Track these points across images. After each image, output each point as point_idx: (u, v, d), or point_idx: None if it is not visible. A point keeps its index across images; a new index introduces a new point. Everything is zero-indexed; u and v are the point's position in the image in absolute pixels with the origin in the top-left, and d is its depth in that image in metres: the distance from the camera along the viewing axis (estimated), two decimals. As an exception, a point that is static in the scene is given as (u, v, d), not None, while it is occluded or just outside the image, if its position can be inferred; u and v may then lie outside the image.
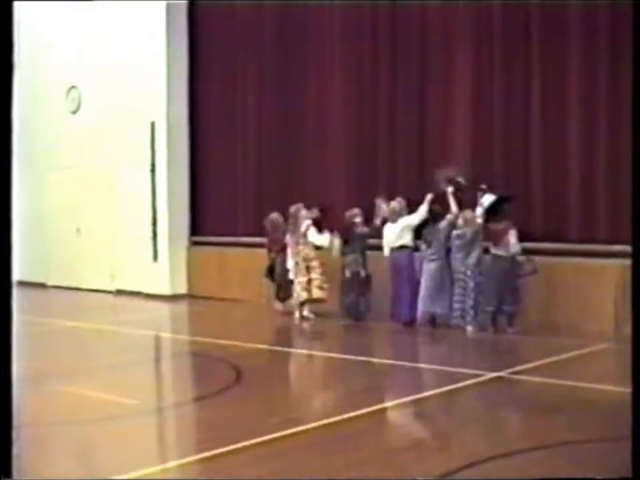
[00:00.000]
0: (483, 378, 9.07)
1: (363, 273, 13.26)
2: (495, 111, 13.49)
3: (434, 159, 13.96)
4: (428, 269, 12.30)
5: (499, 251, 11.96)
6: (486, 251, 12.15)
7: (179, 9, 17.41)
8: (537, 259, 12.45)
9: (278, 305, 14.58)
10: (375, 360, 10.55)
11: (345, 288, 13.37)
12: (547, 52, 12.94)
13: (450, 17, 13.96)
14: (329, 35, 15.56)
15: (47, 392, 8.99)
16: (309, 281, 13.68)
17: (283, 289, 14.41)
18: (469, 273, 11.97)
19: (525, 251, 12.27)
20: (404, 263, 12.73)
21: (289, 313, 14.00)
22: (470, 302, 11.94)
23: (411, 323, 12.48)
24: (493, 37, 13.49)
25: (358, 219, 13.38)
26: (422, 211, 12.63)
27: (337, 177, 15.37)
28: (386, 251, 12.93)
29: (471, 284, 11.95)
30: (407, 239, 12.73)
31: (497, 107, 13.47)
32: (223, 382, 9.12)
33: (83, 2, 18.44)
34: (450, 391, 8.54)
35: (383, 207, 13.20)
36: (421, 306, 12.31)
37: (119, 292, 17.96)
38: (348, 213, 13.48)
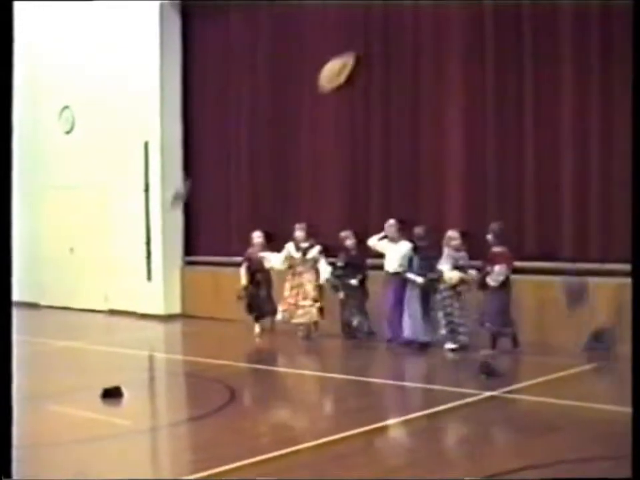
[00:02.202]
0: (477, 397, 9.06)
1: (355, 293, 13.39)
2: (487, 134, 13.50)
3: (427, 181, 14.09)
4: (413, 295, 12.44)
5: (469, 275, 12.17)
6: (478, 270, 12.17)
7: (172, 30, 17.46)
8: (531, 277, 12.50)
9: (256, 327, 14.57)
10: (370, 380, 10.55)
11: (342, 308, 13.48)
12: (539, 76, 12.99)
13: (443, 46, 14.01)
14: (323, 57, 15.57)
15: (41, 412, 8.96)
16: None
17: (257, 307, 14.54)
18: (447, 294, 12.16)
19: (517, 271, 12.30)
20: (401, 287, 12.74)
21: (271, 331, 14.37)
22: (450, 323, 12.15)
23: (406, 343, 12.47)
24: (485, 65, 13.51)
25: (349, 242, 13.63)
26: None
27: (330, 198, 15.38)
28: (390, 268, 12.97)
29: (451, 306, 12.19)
30: (405, 266, 12.74)
31: (489, 129, 13.49)
32: (217, 402, 9.10)
33: (76, 22, 18.51)
34: (444, 411, 8.52)
35: (348, 243, 13.64)
36: (410, 334, 12.40)
37: (113, 312, 17.92)
38: (342, 234, 13.74)
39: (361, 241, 13.52)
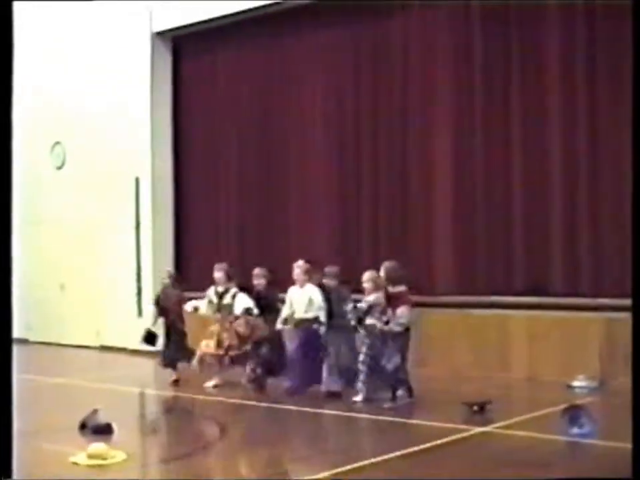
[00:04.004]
0: (469, 433, 9.03)
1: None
2: (476, 169, 13.60)
3: (416, 215, 14.17)
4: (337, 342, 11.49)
5: (373, 320, 10.81)
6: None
7: (163, 66, 17.57)
8: (521, 312, 12.51)
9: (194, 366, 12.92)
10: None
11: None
12: (527, 105, 13.11)
13: (430, 77, 14.16)
14: (311, 91, 15.71)
15: (32, 449, 8.89)
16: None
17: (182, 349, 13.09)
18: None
19: (508, 306, 12.31)
20: (309, 334, 11.71)
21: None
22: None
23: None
24: (473, 97, 13.64)
25: (261, 281, 12.35)
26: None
27: (319, 231, 15.44)
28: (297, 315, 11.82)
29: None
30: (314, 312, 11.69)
31: (478, 164, 13.58)
32: (207, 438, 9.06)
33: (68, 58, 18.59)
34: (437, 446, 8.48)
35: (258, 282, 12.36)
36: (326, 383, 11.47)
37: (104, 348, 17.85)
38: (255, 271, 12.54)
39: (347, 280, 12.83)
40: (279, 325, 11.89)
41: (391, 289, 10.76)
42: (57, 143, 19.06)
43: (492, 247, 13.30)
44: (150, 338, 13.26)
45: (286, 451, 8.92)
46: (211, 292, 12.67)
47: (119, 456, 8.22)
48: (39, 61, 19.30)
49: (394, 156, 14.52)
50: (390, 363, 10.58)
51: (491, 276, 13.34)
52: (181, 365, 12.99)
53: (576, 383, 11.61)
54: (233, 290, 12.43)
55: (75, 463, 8.06)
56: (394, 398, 10.68)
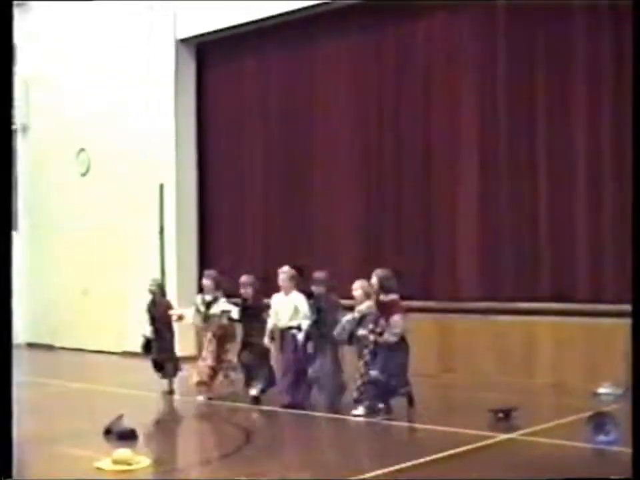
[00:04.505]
0: (494, 440, 8.98)
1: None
2: (501, 172, 13.54)
3: (440, 222, 14.13)
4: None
5: (365, 331, 10.53)
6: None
7: (187, 72, 17.62)
8: (546, 319, 12.43)
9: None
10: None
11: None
12: (552, 110, 13.06)
13: (455, 88, 14.16)
14: (335, 98, 15.70)
15: (54, 455, 8.93)
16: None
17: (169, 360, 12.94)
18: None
19: (533, 312, 12.23)
20: (296, 344, 11.39)
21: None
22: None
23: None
24: (498, 102, 13.60)
25: (248, 290, 11.87)
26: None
27: (343, 238, 15.42)
28: (281, 324, 11.52)
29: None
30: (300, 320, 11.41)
31: (502, 168, 13.52)
32: (232, 444, 9.05)
33: (93, 66, 18.67)
34: (462, 453, 8.44)
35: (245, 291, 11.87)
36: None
37: (127, 353, 17.86)
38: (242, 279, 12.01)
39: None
40: (266, 341, 11.47)
41: (383, 298, 10.46)
42: (82, 149, 19.13)
43: (517, 253, 13.24)
44: (148, 346, 13.16)
45: (315, 456, 8.89)
46: (198, 300, 12.38)
47: (143, 461, 8.23)
48: (65, 67, 19.40)
49: (417, 160, 14.48)
50: (383, 374, 10.25)
51: (515, 282, 13.28)
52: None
53: (602, 390, 11.53)
54: (221, 300, 12.10)
55: (100, 469, 8.08)
56: (388, 409, 10.40)
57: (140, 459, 8.25)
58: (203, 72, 17.80)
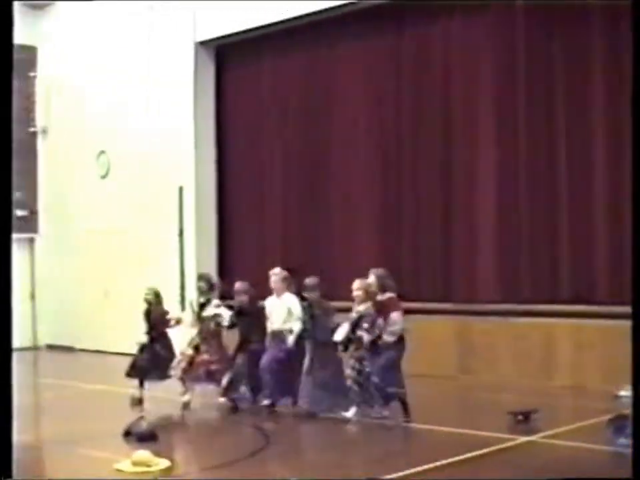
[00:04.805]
0: (514, 442, 8.95)
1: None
2: (519, 174, 13.51)
3: (459, 225, 14.13)
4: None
5: (362, 332, 10.29)
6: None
7: (206, 74, 17.66)
8: (566, 321, 12.38)
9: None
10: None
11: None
12: (571, 114, 13.02)
13: (474, 93, 14.13)
14: (354, 100, 15.69)
15: (74, 456, 8.96)
16: None
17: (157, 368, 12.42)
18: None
19: (553, 314, 12.18)
20: (286, 348, 11.22)
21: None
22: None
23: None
24: (517, 105, 13.56)
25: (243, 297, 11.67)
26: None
27: (361, 242, 15.42)
28: (274, 326, 11.36)
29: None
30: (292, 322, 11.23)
31: (521, 170, 13.49)
32: (251, 446, 9.06)
33: (112, 67, 18.75)
34: (482, 455, 8.42)
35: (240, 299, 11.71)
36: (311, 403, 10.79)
37: (147, 355, 17.90)
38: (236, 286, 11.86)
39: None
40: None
41: (380, 297, 10.39)
42: (102, 152, 19.21)
43: (536, 254, 13.20)
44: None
45: (332, 458, 8.87)
46: (193, 303, 12.19)
47: (163, 463, 8.26)
48: (85, 70, 19.48)
49: (436, 164, 14.47)
50: (378, 377, 10.11)
51: (535, 284, 13.24)
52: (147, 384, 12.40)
53: (622, 393, 11.44)
54: (215, 302, 11.86)
55: (120, 470, 8.11)
56: (406, 412, 10.24)
57: (160, 460, 8.27)
58: (222, 74, 17.84)
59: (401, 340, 10.27)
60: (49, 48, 20.28)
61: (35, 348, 19.92)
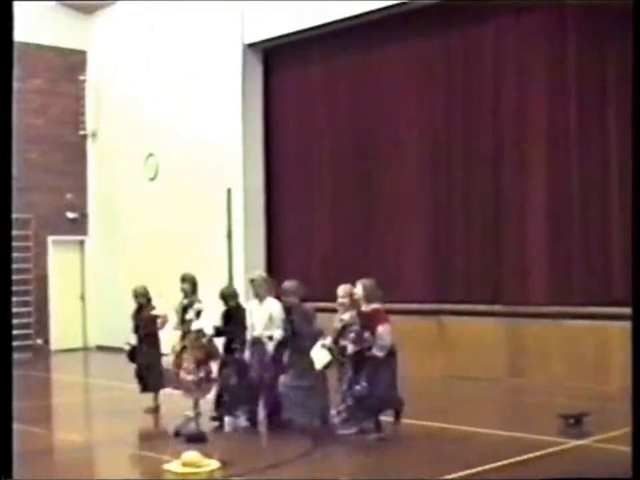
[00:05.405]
0: (565, 446, 8.84)
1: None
2: (571, 175, 13.37)
3: (510, 222, 13.98)
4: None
5: (346, 342, 9.69)
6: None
7: (254, 77, 17.68)
8: (619, 323, 12.22)
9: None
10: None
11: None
12: (623, 114, 12.78)
13: (525, 94, 13.97)
14: (403, 103, 15.62)
15: (127, 456, 9.02)
16: None
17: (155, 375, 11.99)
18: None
19: (605, 316, 12.01)
20: (269, 355, 10.52)
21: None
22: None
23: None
24: (569, 106, 13.41)
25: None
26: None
27: (412, 240, 15.34)
28: (255, 332, 10.58)
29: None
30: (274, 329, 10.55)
31: (573, 171, 13.35)
32: (300, 448, 9.05)
33: (161, 70, 18.88)
34: (533, 459, 8.32)
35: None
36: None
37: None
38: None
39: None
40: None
41: (365, 307, 9.67)
42: (150, 154, 19.32)
43: (588, 255, 13.04)
44: (134, 354, 12.27)
45: (384, 461, 8.85)
46: (176, 304, 11.62)
47: (212, 464, 8.26)
48: (133, 72, 19.64)
49: (487, 164, 14.35)
50: (364, 389, 9.42)
51: (587, 286, 13.07)
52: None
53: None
54: (197, 306, 11.24)
55: (169, 471, 8.13)
56: (378, 428, 9.64)
57: (209, 461, 8.28)
58: (270, 76, 17.85)
59: (391, 355, 9.60)
60: (98, 52, 20.47)
61: (85, 349, 20.11)
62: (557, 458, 8.51)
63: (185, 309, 11.32)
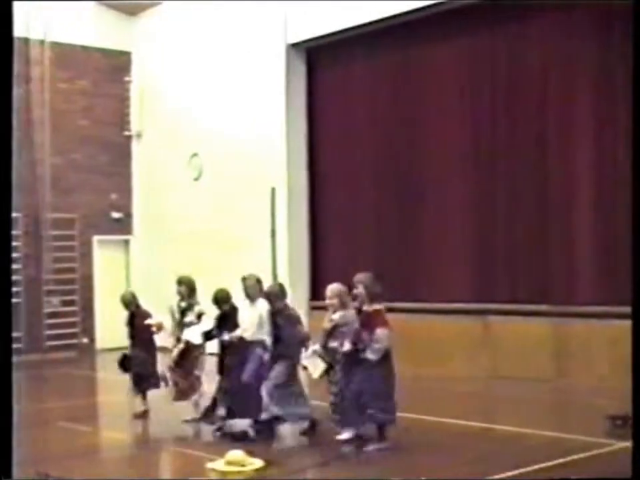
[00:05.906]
0: (611, 447, 8.75)
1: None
2: (617, 174, 13.19)
3: (556, 220, 13.84)
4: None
5: (334, 343, 9.44)
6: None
7: (297, 77, 17.70)
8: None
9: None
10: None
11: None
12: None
13: (570, 103, 13.87)
14: (446, 104, 15.54)
15: (172, 455, 9.09)
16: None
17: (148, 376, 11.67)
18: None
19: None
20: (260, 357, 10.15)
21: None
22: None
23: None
24: (616, 104, 13.23)
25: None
26: None
27: (456, 242, 15.27)
28: (247, 334, 10.24)
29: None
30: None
31: (619, 169, 13.16)
32: (339, 448, 9.04)
33: (204, 70, 18.96)
34: (579, 460, 8.25)
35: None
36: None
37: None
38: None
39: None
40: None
41: (367, 307, 9.23)
42: (195, 154, 19.41)
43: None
44: (125, 362, 11.86)
45: (427, 460, 8.79)
46: (173, 306, 11.34)
47: (256, 463, 8.28)
48: (177, 73, 19.75)
49: (532, 163, 14.23)
50: (356, 394, 9.08)
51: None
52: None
53: None
54: (198, 308, 11.06)
55: (214, 469, 8.16)
56: (381, 437, 9.17)
57: (253, 460, 8.30)
58: (313, 75, 17.86)
59: (386, 359, 9.12)
60: (143, 53, 20.62)
61: (121, 349, 20.16)
62: (604, 459, 8.43)
63: (183, 312, 11.11)
